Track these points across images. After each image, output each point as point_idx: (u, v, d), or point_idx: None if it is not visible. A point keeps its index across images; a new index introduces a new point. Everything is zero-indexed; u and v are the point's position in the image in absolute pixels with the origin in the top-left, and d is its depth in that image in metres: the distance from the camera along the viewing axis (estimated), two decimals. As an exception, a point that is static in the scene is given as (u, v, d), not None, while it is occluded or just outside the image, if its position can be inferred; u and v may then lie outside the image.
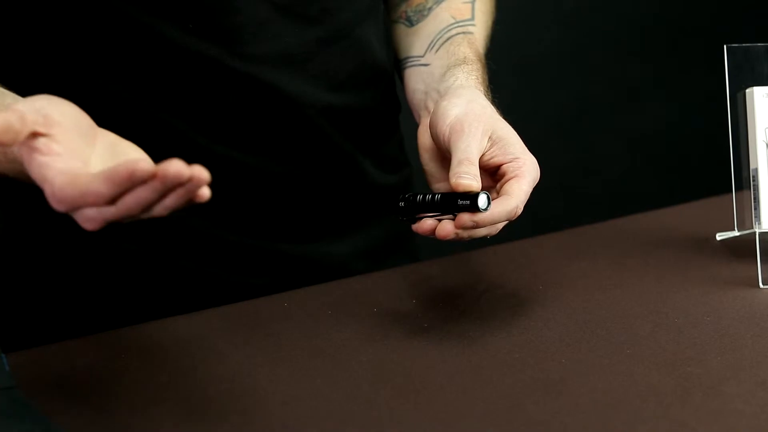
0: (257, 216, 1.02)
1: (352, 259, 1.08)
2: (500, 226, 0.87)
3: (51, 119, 0.67)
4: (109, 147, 0.71)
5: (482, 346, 0.84)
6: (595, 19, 2.45)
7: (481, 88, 0.96)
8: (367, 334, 0.87)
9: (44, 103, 0.69)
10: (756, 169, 0.93)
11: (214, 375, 0.80)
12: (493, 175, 0.88)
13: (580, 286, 0.96)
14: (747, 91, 0.94)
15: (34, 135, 0.67)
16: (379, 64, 1.07)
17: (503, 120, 0.90)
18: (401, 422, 0.72)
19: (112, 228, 0.70)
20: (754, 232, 0.93)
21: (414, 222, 0.86)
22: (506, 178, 0.87)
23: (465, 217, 0.82)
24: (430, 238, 0.85)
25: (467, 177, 0.83)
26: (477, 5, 1.08)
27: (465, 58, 1.00)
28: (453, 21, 1.05)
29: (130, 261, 1.00)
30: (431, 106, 0.99)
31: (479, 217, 0.83)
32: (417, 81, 1.04)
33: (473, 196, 0.82)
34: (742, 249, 0.98)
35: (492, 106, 0.91)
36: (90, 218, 0.66)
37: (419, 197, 0.86)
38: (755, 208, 0.93)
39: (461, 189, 0.83)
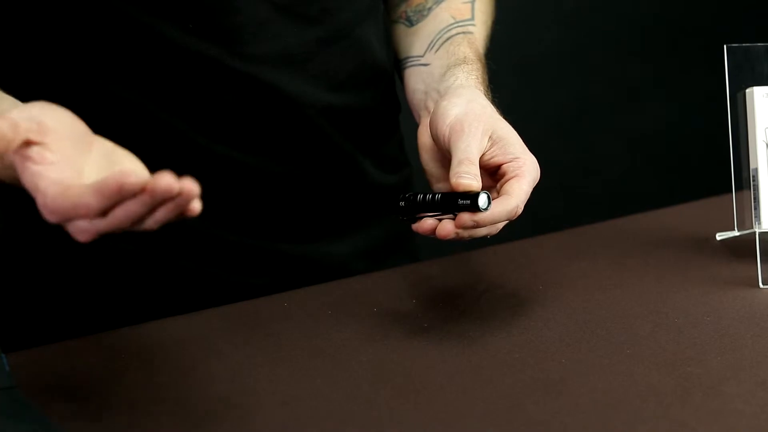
0: (257, 216, 1.02)
1: (352, 259, 1.08)
2: (500, 225, 0.87)
3: (45, 127, 0.67)
4: (104, 155, 0.71)
5: (482, 346, 0.84)
6: (596, 19, 2.45)
7: (481, 88, 0.96)
8: (367, 334, 0.87)
9: (38, 111, 0.68)
10: (756, 169, 0.93)
11: (214, 375, 0.80)
12: (493, 175, 0.88)
13: (580, 286, 0.96)
14: (747, 91, 0.94)
15: (28, 143, 0.66)
16: (379, 64, 1.07)
17: (503, 120, 0.90)
18: (401, 422, 0.72)
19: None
20: (754, 232, 0.93)
21: (414, 222, 0.86)
22: (506, 177, 0.87)
23: (465, 217, 0.82)
24: (430, 238, 0.85)
25: (467, 176, 0.83)
26: (477, 5, 1.08)
27: (465, 57, 1.00)
28: (453, 21, 1.05)
29: (130, 261, 1.00)
30: (431, 106, 0.99)
31: (479, 216, 0.83)
32: (417, 81, 1.04)
33: (473, 196, 0.82)
34: (742, 249, 0.98)
35: (492, 106, 0.91)
36: (82, 230, 0.66)
37: (419, 197, 0.86)
38: (755, 208, 0.93)
39: (461, 188, 0.83)
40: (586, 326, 0.86)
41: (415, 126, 0.99)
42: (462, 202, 0.83)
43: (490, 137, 0.87)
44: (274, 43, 0.98)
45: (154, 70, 0.96)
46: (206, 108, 0.98)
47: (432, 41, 1.04)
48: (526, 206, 0.86)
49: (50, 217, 0.66)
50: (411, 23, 1.09)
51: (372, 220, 1.10)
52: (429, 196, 0.86)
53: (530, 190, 0.87)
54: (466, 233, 0.84)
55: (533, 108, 2.37)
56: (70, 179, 0.66)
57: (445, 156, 0.90)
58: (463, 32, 1.04)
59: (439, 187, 0.92)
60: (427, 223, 0.84)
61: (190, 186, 0.65)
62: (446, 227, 0.83)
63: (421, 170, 0.95)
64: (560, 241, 1.12)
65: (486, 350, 0.83)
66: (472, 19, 1.06)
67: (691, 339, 0.82)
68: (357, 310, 0.92)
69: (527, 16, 2.33)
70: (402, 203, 0.87)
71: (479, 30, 1.06)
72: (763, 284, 0.93)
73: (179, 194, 0.64)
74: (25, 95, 0.98)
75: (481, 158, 0.86)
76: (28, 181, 0.67)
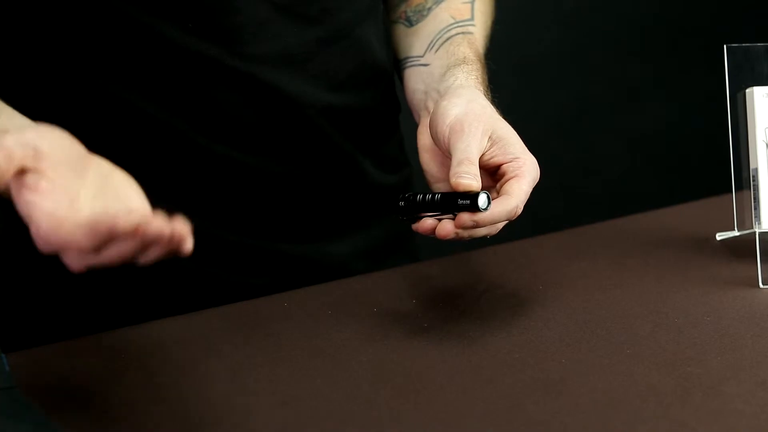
0: (257, 216, 1.02)
1: (352, 259, 1.08)
2: (500, 225, 0.87)
3: (40, 153, 0.66)
4: (100, 178, 0.70)
5: (482, 346, 0.84)
6: (595, 19, 2.45)
7: (481, 88, 0.96)
8: (367, 334, 0.87)
9: (34, 135, 0.67)
10: (756, 169, 0.93)
11: (214, 375, 0.80)
12: (493, 175, 0.89)
13: (580, 286, 0.96)
14: (747, 91, 0.94)
15: (23, 170, 0.66)
16: (379, 64, 1.07)
17: (503, 120, 0.90)
18: (401, 422, 0.72)
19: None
20: (754, 232, 0.93)
21: (414, 221, 0.86)
22: (506, 177, 0.87)
23: (465, 217, 0.82)
24: (430, 238, 0.85)
25: (467, 176, 0.83)
26: (476, 5, 1.08)
27: (465, 58, 1.00)
28: (452, 21, 1.05)
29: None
30: (431, 106, 0.99)
31: (479, 216, 0.83)
32: (417, 81, 1.04)
33: (473, 196, 0.82)
34: (742, 249, 0.98)
35: (492, 106, 0.91)
36: (74, 261, 0.66)
37: (419, 197, 0.86)
38: (755, 208, 0.93)
39: (461, 188, 0.83)
40: (586, 326, 0.86)
41: (415, 126, 0.99)
42: (462, 202, 0.83)
43: (489, 137, 0.87)
44: (274, 43, 0.98)
45: (154, 70, 0.96)
46: (206, 108, 0.98)
47: (432, 41, 1.04)
48: (526, 206, 0.86)
49: (43, 247, 0.66)
50: (411, 23, 1.09)
51: (372, 220, 1.10)
52: (429, 196, 0.86)
53: (530, 190, 0.87)
54: (465, 233, 0.84)
55: (533, 108, 2.37)
56: (65, 210, 0.66)
57: (444, 156, 0.90)
58: (463, 32, 1.04)
59: (439, 187, 0.92)
60: (426, 223, 0.84)
61: (182, 228, 0.65)
62: (446, 227, 0.83)
63: (421, 170, 0.95)
64: (560, 241, 1.12)
65: (486, 350, 0.83)
66: (472, 19, 1.06)
67: (691, 339, 0.82)
68: (357, 310, 0.92)
69: (527, 16, 2.33)
70: (402, 203, 0.87)
71: (479, 30, 1.06)
72: (763, 284, 0.93)
73: (171, 236, 0.64)
74: (25, 96, 0.98)
75: (480, 158, 0.86)
76: (23, 208, 0.66)
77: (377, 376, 0.79)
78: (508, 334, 0.86)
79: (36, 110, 0.97)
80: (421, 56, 1.05)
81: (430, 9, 1.08)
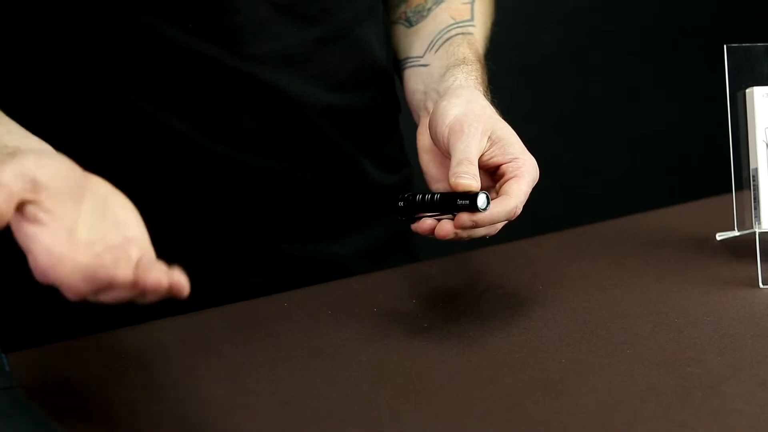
0: (257, 216, 1.02)
1: (352, 259, 1.08)
2: (499, 226, 0.87)
3: (39, 184, 0.66)
4: (98, 203, 0.69)
5: (482, 346, 0.84)
6: (595, 20, 2.45)
7: (481, 89, 0.96)
8: (367, 334, 0.87)
9: (33, 166, 0.66)
10: (756, 169, 0.93)
11: (214, 375, 0.80)
12: (492, 175, 0.88)
13: (580, 286, 0.96)
14: (747, 91, 0.94)
15: (22, 203, 0.66)
16: (379, 64, 1.07)
17: (502, 120, 0.90)
18: (401, 422, 0.72)
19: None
20: (754, 232, 0.93)
21: (413, 222, 0.86)
22: (505, 178, 0.87)
23: (464, 217, 0.82)
24: (430, 238, 0.85)
25: (466, 177, 0.83)
26: (476, 6, 1.08)
27: (464, 58, 1.00)
28: (452, 22, 1.05)
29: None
30: (431, 106, 0.99)
31: (478, 216, 0.83)
32: (416, 81, 1.04)
33: (472, 196, 0.82)
34: (742, 249, 0.98)
35: (491, 107, 0.91)
36: (69, 294, 0.66)
37: (418, 197, 0.86)
38: (755, 208, 0.93)
39: (460, 189, 0.83)
40: (586, 326, 0.86)
41: (415, 126, 0.99)
42: (461, 202, 0.83)
43: (489, 137, 0.87)
44: (274, 43, 0.98)
45: (154, 71, 0.96)
46: (206, 108, 0.98)
47: (431, 42, 1.04)
48: (525, 206, 0.86)
49: (39, 279, 0.66)
50: (410, 24, 1.09)
51: (372, 220, 1.10)
52: (428, 197, 0.86)
53: (529, 190, 0.87)
54: (465, 233, 0.84)
55: (533, 108, 2.37)
56: (63, 245, 0.65)
57: (444, 156, 0.90)
58: (463, 33, 1.04)
59: (438, 187, 0.92)
60: (426, 223, 0.84)
61: (179, 280, 0.64)
62: (445, 227, 0.83)
63: (421, 171, 0.95)
64: (560, 241, 1.12)
65: (486, 350, 0.83)
66: (472, 19, 1.06)
67: (691, 339, 0.82)
68: (357, 310, 0.92)
69: (527, 17, 2.33)
70: (401, 203, 0.87)
71: (479, 31, 1.06)
72: (763, 284, 0.93)
73: (169, 288, 0.64)
74: (25, 96, 0.98)
75: (480, 158, 0.86)
76: (21, 240, 0.66)
77: (377, 376, 0.79)
78: (508, 334, 0.86)
79: (36, 110, 0.97)
80: (421, 57, 1.05)
81: (429, 9, 1.08)
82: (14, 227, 0.66)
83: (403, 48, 1.08)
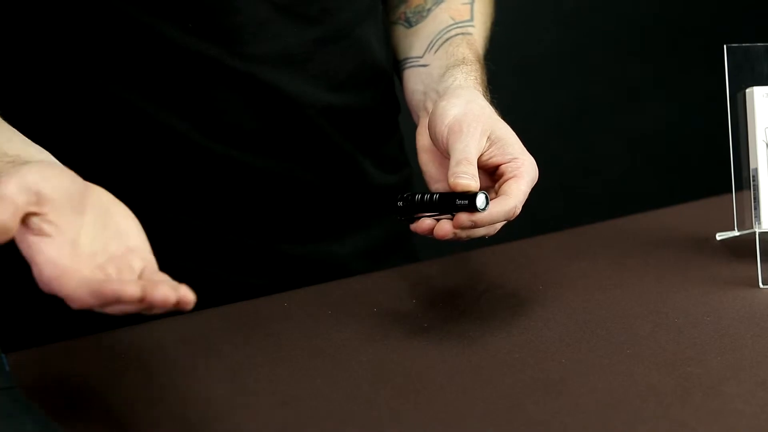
0: (257, 216, 1.02)
1: (352, 259, 1.08)
2: (499, 226, 0.87)
3: (43, 197, 0.66)
4: (100, 215, 0.69)
5: (482, 346, 0.84)
6: (595, 20, 2.45)
7: (480, 89, 0.96)
8: (367, 334, 0.87)
9: (37, 178, 0.67)
10: (756, 169, 0.93)
11: (214, 375, 0.80)
12: (491, 175, 0.89)
13: (580, 286, 0.96)
14: (747, 91, 0.94)
15: (27, 215, 0.66)
16: (379, 64, 1.07)
17: (502, 120, 0.90)
18: (401, 422, 0.72)
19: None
20: (754, 232, 0.93)
21: (412, 222, 0.86)
22: (505, 178, 0.87)
23: (463, 217, 0.82)
24: (430, 238, 0.85)
25: (465, 177, 0.83)
26: (476, 6, 1.08)
27: (464, 58, 1.00)
28: (452, 22, 1.05)
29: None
30: (430, 106, 0.99)
31: (477, 216, 0.83)
32: (416, 82, 1.04)
33: (471, 196, 0.82)
34: (742, 249, 0.98)
35: (491, 107, 0.91)
36: (74, 305, 0.66)
37: (417, 197, 0.86)
38: (755, 208, 0.93)
39: (459, 189, 0.83)
40: (586, 326, 0.86)
41: (414, 126, 0.99)
42: (460, 202, 0.83)
43: (488, 137, 0.87)
44: (274, 43, 0.98)
45: (154, 71, 0.96)
46: (206, 108, 0.98)
47: (431, 42, 1.05)
48: (525, 206, 0.86)
49: (44, 290, 0.66)
50: (410, 24, 1.09)
51: (372, 220, 1.10)
52: (427, 196, 0.86)
53: (528, 190, 0.87)
54: (464, 233, 0.84)
55: (533, 108, 2.37)
56: (68, 257, 0.66)
57: (443, 156, 0.90)
58: (463, 33, 1.04)
59: (438, 187, 0.92)
60: (425, 223, 0.84)
61: (186, 295, 0.65)
62: (444, 227, 0.83)
63: (420, 171, 0.95)
64: (560, 241, 1.12)
65: (486, 350, 0.83)
66: (472, 20, 1.06)
67: (691, 339, 0.82)
68: (357, 310, 0.92)
69: (527, 17, 2.33)
70: (400, 203, 0.87)
71: (478, 31, 1.06)
72: (763, 284, 0.93)
73: (176, 304, 0.64)
74: (25, 96, 0.98)
75: (479, 158, 0.86)
76: (25, 251, 0.66)
77: (377, 376, 0.79)
78: (508, 334, 0.86)
79: (36, 111, 0.97)
80: (421, 57, 1.05)
81: (429, 10, 1.08)
82: (18, 238, 0.67)
83: (402, 48, 1.08)
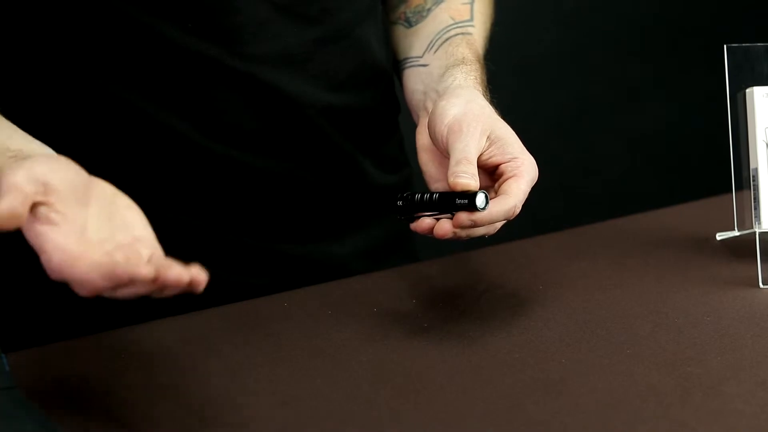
0: (257, 216, 1.02)
1: (352, 259, 1.08)
2: (498, 225, 0.87)
3: (50, 187, 0.67)
4: (104, 207, 0.70)
5: (482, 346, 0.83)
6: (595, 20, 2.45)
7: (480, 89, 0.96)
8: (367, 334, 0.87)
9: (44, 169, 0.68)
10: (756, 169, 0.93)
11: (214, 375, 0.80)
12: (491, 175, 0.88)
13: (580, 286, 0.96)
14: (747, 91, 0.94)
15: (34, 204, 0.67)
16: (379, 64, 1.07)
17: (501, 120, 0.90)
18: (401, 422, 0.72)
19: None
20: (754, 232, 0.93)
21: (412, 221, 0.86)
22: (504, 177, 0.87)
23: (463, 216, 0.82)
24: (430, 238, 0.85)
25: (465, 176, 0.83)
26: (476, 6, 1.08)
27: (464, 58, 1.00)
28: (452, 22, 1.05)
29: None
30: (430, 106, 0.99)
31: (477, 216, 0.82)
32: (416, 81, 1.04)
33: (471, 195, 0.82)
34: (742, 249, 0.98)
35: (491, 106, 0.91)
36: (83, 290, 0.67)
37: (417, 196, 0.86)
38: (755, 208, 0.93)
39: (459, 188, 0.83)
40: (586, 326, 0.86)
41: (414, 126, 0.99)
42: (460, 201, 0.83)
43: (488, 137, 0.87)
44: (274, 43, 0.98)
45: (154, 71, 0.96)
46: (206, 108, 0.98)
47: (431, 42, 1.04)
48: (525, 206, 0.86)
49: (53, 277, 0.67)
50: (410, 24, 1.09)
51: (372, 220, 1.10)
52: (427, 196, 0.86)
53: (528, 189, 0.87)
54: (463, 233, 0.84)
55: (533, 108, 2.37)
56: (76, 244, 0.66)
57: (443, 156, 0.90)
58: (462, 33, 1.04)
59: (437, 187, 0.92)
60: (424, 222, 0.84)
61: (199, 275, 0.65)
62: (444, 227, 0.83)
63: (420, 171, 0.95)
64: (560, 241, 1.12)
65: (486, 350, 0.83)
66: (471, 20, 1.06)
67: (691, 339, 0.82)
68: (357, 310, 0.92)
69: (527, 17, 2.33)
70: (400, 202, 0.87)
71: (478, 31, 1.06)
72: (763, 284, 0.93)
73: (188, 285, 0.65)
74: (25, 97, 0.98)
75: (479, 158, 0.86)
76: (33, 240, 0.67)
77: (377, 376, 0.79)
78: (508, 334, 0.86)
79: (37, 111, 0.97)
80: (420, 57, 1.05)
81: (429, 10, 1.08)
82: (26, 228, 0.67)
83: (402, 48, 1.08)
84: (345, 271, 1.05)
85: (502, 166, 0.87)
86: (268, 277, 1.03)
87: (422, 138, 0.94)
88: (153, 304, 0.98)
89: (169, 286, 0.65)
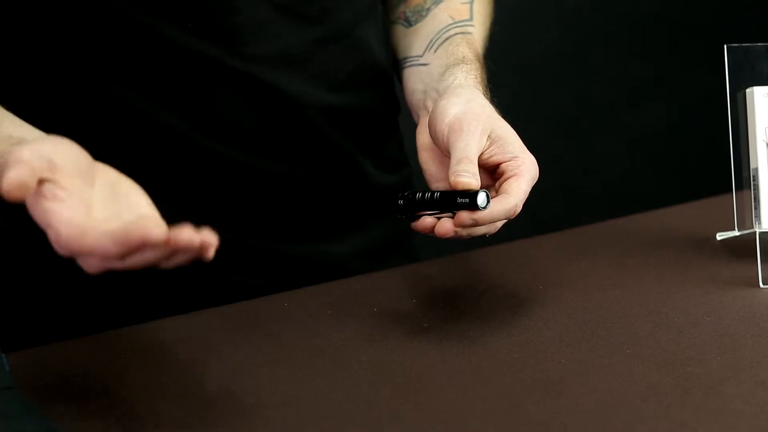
0: (257, 216, 1.02)
1: (352, 259, 1.08)
2: (499, 224, 0.87)
3: (55, 165, 0.68)
4: (109, 187, 0.71)
5: (482, 346, 0.83)
6: (596, 19, 2.45)
7: (480, 88, 0.96)
8: (367, 334, 0.87)
9: (49, 147, 0.69)
10: (756, 169, 0.93)
11: (214, 375, 0.80)
12: (492, 174, 0.89)
13: (580, 286, 0.96)
14: (747, 90, 0.94)
15: (40, 181, 0.67)
16: (379, 64, 1.07)
17: (502, 119, 0.90)
18: (401, 422, 0.72)
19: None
20: (754, 232, 0.93)
21: (413, 220, 0.86)
22: (505, 176, 0.87)
23: (464, 216, 0.82)
24: (430, 238, 0.85)
25: (466, 175, 0.83)
26: (475, 6, 1.08)
27: (464, 57, 1.00)
28: (451, 21, 1.05)
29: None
30: (430, 105, 0.99)
31: (478, 215, 0.83)
32: (416, 81, 1.04)
33: (472, 195, 0.82)
34: (742, 249, 0.98)
35: (491, 106, 0.91)
36: (92, 266, 0.67)
37: (418, 195, 0.86)
38: (755, 208, 0.93)
39: (460, 187, 0.83)
40: (586, 326, 0.86)
41: (414, 126, 0.99)
42: (461, 200, 0.83)
43: (489, 136, 0.87)
44: (274, 43, 0.98)
45: (154, 71, 0.96)
46: (206, 108, 0.98)
47: (431, 41, 1.05)
48: (525, 206, 0.86)
49: (62, 252, 0.67)
50: (410, 24, 1.09)
51: (372, 220, 1.10)
52: (428, 195, 0.86)
53: (529, 189, 0.87)
54: (464, 232, 0.84)
55: (533, 108, 2.37)
56: (82, 218, 0.67)
57: (443, 155, 0.90)
58: (462, 32, 1.04)
59: (438, 186, 0.92)
60: (426, 221, 0.84)
61: (209, 238, 0.65)
62: (445, 226, 0.83)
63: (420, 170, 0.95)
64: (560, 241, 1.12)
65: (486, 350, 0.83)
66: (471, 19, 1.06)
67: (691, 339, 0.82)
68: (357, 310, 0.92)
69: (527, 17, 2.33)
70: (401, 201, 0.87)
71: (478, 30, 1.06)
72: (763, 284, 0.93)
73: (200, 247, 0.65)
74: (25, 97, 0.98)
75: (480, 157, 0.87)
76: (39, 217, 0.68)
77: (377, 376, 0.79)
78: (508, 334, 0.86)
79: (37, 111, 0.97)
80: (420, 56, 1.05)
81: (428, 9, 1.08)
82: (31, 205, 0.68)
83: (402, 48, 1.08)
84: (345, 271, 1.05)
85: (503, 165, 0.87)
86: (268, 277, 1.03)
87: (422, 137, 0.94)
88: (153, 304, 0.99)
89: (180, 249, 0.65)
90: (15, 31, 0.97)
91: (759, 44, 0.95)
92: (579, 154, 2.47)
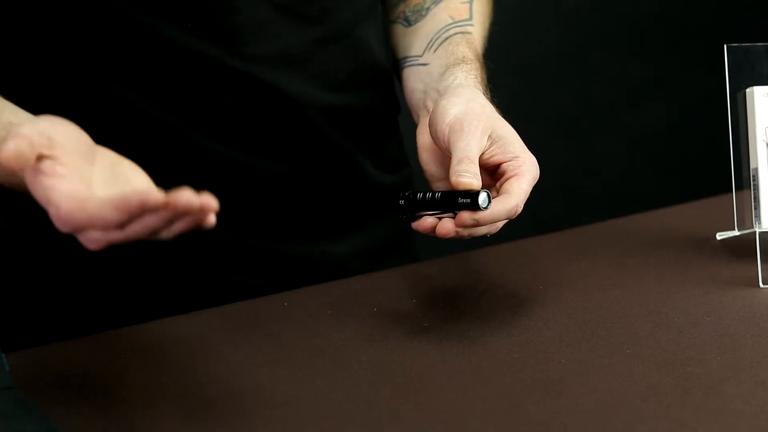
0: (257, 216, 1.02)
1: (352, 259, 1.08)
2: (500, 224, 0.87)
3: (54, 141, 0.68)
4: (109, 167, 0.71)
5: (482, 346, 0.83)
6: (595, 19, 2.45)
7: (480, 88, 0.96)
8: (367, 334, 0.87)
9: (48, 125, 0.69)
10: (756, 169, 0.93)
11: (214, 375, 0.80)
12: (492, 174, 0.89)
13: (580, 286, 0.96)
14: (747, 90, 0.94)
15: (39, 157, 0.67)
16: (379, 64, 1.07)
17: (503, 119, 0.90)
18: (401, 422, 0.72)
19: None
20: (754, 232, 0.93)
21: (414, 220, 0.86)
22: (506, 176, 0.87)
23: (465, 216, 0.82)
24: (430, 238, 0.85)
25: (467, 175, 0.83)
26: (475, 5, 1.08)
27: (464, 57, 1.00)
28: (451, 21, 1.05)
29: (130, 261, 1.00)
30: (430, 105, 0.99)
31: (479, 215, 0.83)
32: (416, 81, 1.04)
33: (473, 195, 0.82)
34: (742, 249, 0.98)
35: (491, 105, 0.92)
36: (94, 240, 0.67)
37: (419, 195, 0.86)
38: (755, 208, 0.93)
39: (461, 187, 0.83)
40: (586, 326, 0.86)
41: (414, 126, 0.99)
42: (462, 200, 0.83)
43: (489, 136, 0.87)
44: (274, 43, 0.98)
45: (154, 71, 0.96)
46: (206, 108, 0.98)
47: (431, 41, 1.05)
48: (526, 206, 0.86)
49: (63, 228, 0.67)
50: (409, 23, 1.09)
51: (372, 220, 1.10)
52: (429, 195, 0.86)
53: (530, 189, 0.87)
54: (465, 232, 0.84)
55: (533, 108, 2.37)
56: (82, 192, 0.67)
57: (444, 155, 0.90)
58: (462, 32, 1.04)
59: (439, 186, 0.92)
60: (427, 221, 0.84)
61: (209, 201, 0.65)
62: (446, 226, 0.83)
63: (421, 170, 0.95)
64: (560, 241, 1.12)
65: (486, 350, 0.83)
66: (470, 19, 1.06)
67: (691, 339, 0.82)
68: (357, 310, 0.92)
69: (527, 17, 2.33)
70: (402, 201, 0.87)
71: (477, 30, 1.06)
72: (763, 284, 0.93)
73: (199, 209, 0.64)
74: (25, 96, 0.98)
75: (480, 157, 0.87)
76: (39, 194, 0.67)
77: (377, 376, 0.79)
78: (508, 334, 0.86)
79: (37, 110, 0.97)
80: (420, 56, 1.05)
81: (428, 9, 1.08)
82: (31, 182, 0.68)
83: (401, 47, 1.08)
84: (345, 271, 1.05)
85: (504, 165, 0.87)
86: (268, 277, 1.03)
87: (423, 137, 0.94)
88: (153, 304, 0.99)
89: (180, 212, 0.64)
90: (15, 30, 0.97)
91: (759, 44, 0.95)
92: (579, 154, 2.47)
